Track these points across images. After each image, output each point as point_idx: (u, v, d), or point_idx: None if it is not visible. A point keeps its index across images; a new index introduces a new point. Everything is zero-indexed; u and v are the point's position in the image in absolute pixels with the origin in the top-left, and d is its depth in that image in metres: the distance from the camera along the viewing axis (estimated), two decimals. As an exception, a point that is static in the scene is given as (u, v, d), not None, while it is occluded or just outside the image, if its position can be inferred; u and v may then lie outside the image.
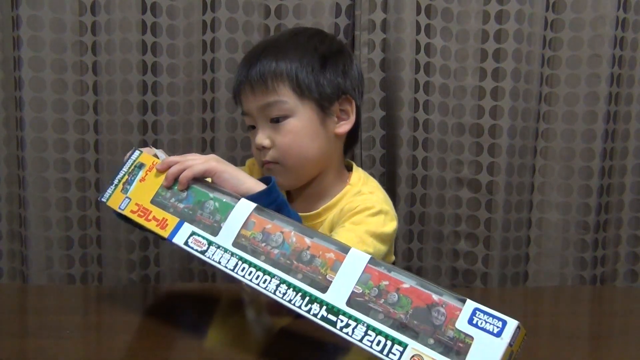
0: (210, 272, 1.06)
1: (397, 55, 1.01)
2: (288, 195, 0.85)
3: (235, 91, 0.82)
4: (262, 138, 0.78)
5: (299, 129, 0.78)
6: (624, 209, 1.11)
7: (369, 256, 0.50)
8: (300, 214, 0.74)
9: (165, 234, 0.57)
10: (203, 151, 1.05)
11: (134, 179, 0.63)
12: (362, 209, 0.76)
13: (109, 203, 0.63)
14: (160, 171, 0.63)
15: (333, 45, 0.84)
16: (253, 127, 0.81)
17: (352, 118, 0.82)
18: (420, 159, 1.05)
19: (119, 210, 0.62)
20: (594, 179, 1.06)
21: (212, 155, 0.68)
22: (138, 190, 0.62)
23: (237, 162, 1.05)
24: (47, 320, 0.66)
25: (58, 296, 0.82)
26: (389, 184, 1.05)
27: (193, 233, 0.56)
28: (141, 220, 0.59)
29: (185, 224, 0.57)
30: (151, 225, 0.58)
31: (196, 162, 0.64)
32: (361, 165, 1.04)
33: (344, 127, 0.81)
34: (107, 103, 1.01)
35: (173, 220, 0.57)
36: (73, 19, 0.99)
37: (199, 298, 0.80)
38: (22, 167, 1.00)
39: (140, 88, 1.00)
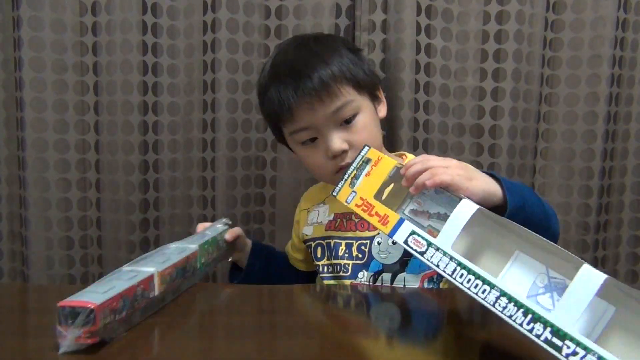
0: (210, 273, 1.06)
1: (397, 55, 1.01)
2: None
3: (285, 112, 0.77)
4: (339, 142, 0.76)
5: (368, 122, 0.79)
6: (625, 210, 1.11)
7: (605, 277, 0.41)
8: None
9: (386, 230, 0.56)
10: (203, 151, 1.05)
11: (361, 173, 0.63)
12: None
13: (338, 197, 0.63)
14: (402, 173, 0.59)
15: (345, 39, 0.89)
16: (311, 141, 0.78)
17: (384, 99, 0.85)
18: None
19: (346, 204, 0.62)
20: (594, 180, 1.06)
21: (455, 163, 0.59)
22: (364, 185, 0.62)
23: (238, 162, 1.05)
24: (47, 321, 0.66)
25: (58, 296, 0.82)
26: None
27: (413, 232, 0.53)
28: (364, 215, 0.59)
29: (406, 222, 0.54)
30: (373, 220, 0.57)
31: (439, 170, 0.57)
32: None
33: (383, 109, 0.85)
34: (108, 103, 1.01)
35: (394, 218, 0.56)
36: (74, 20, 1.00)
37: (199, 298, 0.80)
38: (22, 167, 1.00)
39: (141, 88, 1.01)
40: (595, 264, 1.09)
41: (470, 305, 0.69)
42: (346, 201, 0.62)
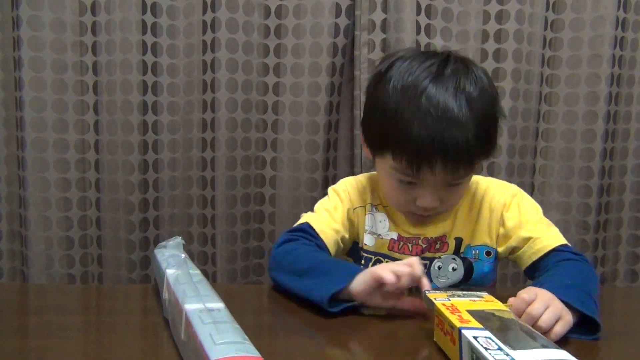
0: (210, 272, 1.06)
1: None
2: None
3: (413, 161, 0.69)
4: (434, 201, 0.72)
5: (466, 187, 0.77)
6: (624, 209, 1.11)
7: None
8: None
9: (457, 324, 0.53)
10: (203, 151, 1.05)
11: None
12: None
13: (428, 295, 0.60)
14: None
15: (496, 99, 0.76)
16: (408, 183, 0.73)
17: None
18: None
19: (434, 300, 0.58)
20: (594, 179, 1.06)
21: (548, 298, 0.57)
22: (462, 302, 0.59)
23: (237, 162, 1.05)
24: (47, 320, 0.66)
25: (58, 296, 0.82)
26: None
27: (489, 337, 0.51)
28: (446, 312, 0.56)
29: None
30: (453, 317, 0.55)
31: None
32: (360, 165, 1.04)
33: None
34: (108, 103, 1.01)
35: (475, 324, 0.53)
36: (73, 19, 0.99)
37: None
38: (22, 167, 1.00)
39: (141, 88, 1.01)
40: (595, 263, 1.09)
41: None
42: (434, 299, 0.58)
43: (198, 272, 0.65)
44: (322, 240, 0.76)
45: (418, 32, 1.01)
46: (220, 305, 0.54)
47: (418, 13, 1.00)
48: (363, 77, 1.02)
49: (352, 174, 1.06)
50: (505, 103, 1.02)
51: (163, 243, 0.79)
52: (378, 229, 0.80)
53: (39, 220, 1.01)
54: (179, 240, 0.79)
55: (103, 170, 1.03)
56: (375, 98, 0.76)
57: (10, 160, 1.03)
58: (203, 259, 1.07)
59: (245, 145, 1.05)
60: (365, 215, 0.80)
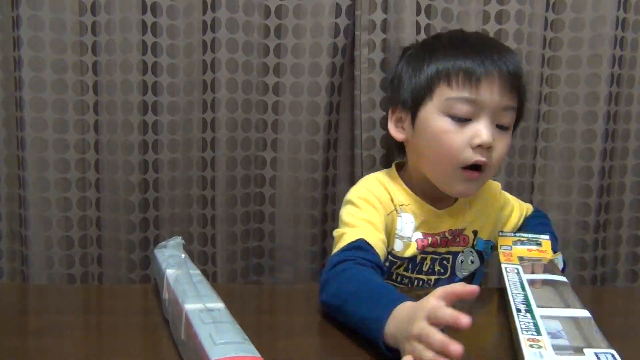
0: (210, 272, 1.06)
1: (397, 55, 1.01)
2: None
3: (471, 77, 0.71)
4: (491, 137, 0.72)
5: (508, 144, 0.77)
6: (624, 209, 1.11)
7: None
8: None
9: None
10: (203, 151, 1.05)
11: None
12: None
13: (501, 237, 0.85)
14: None
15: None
16: (463, 121, 0.72)
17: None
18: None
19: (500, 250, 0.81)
20: (594, 179, 1.06)
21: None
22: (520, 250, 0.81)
23: (237, 162, 1.05)
24: (47, 320, 0.66)
25: (58, 296, 0.82)
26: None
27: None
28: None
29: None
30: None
31: None
32: (361, 165, 1.04)
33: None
34: (108, 103, 1.01)
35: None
36: (73, 19, 0.99)
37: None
38: (22, 167, 1.00)
39: (141, 88, 1.01)
40: (595, 263, 1.09)
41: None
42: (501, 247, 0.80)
43: (198, 272, 0.65)
44: (378, 255, 0.72)
45: (418, 32, 1.00)
46: (220, 305, 0.54)
47: (418, 13, 1.00)
48: (363, 77, 1.02)
49: (352, 173, 1.07)
50: (505, 103, 1.02)
51: (163, 243, 0.79)
52: (405, 231, 0.79)
53: (39, 220, 1.01)
54: (179, 240, 0.79)
55: (103, 170, 1.03)
56: (403, 63, 0.82)
57: (10, 160, 1.03)
58: (203, 259, 1.07)
59: (245, 145, 1.05)
60: (396, 218, 0.79)
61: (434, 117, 0.74)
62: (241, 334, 0.48)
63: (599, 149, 1.05)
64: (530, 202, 1.08)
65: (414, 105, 0.77)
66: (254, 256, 1.09)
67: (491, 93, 0.72)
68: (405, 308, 0.54)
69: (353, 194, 0.80)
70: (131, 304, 0.75)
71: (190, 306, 0.53)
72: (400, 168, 0.86)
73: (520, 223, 0.91)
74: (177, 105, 1.04)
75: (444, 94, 0.73)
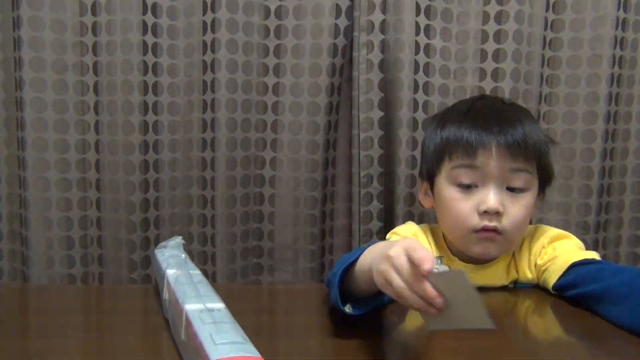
0: (210, 271, 1.07)
1: (396, 55, 1.01)
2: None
3: (469, 144, 0.75)
4: (497, 202, 0.74)
5: (529, 206, 0.77)
6: (625, 209, 1.11)
7: None
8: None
9: None
10: (203, 151, 1.05)
11: None
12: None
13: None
14: None
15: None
16: (467, 187, 0.76)
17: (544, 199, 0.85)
18: (420, 159, 1.05)
19: None
20: (594, 179, 1.06)
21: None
22: None
23: (237, 162, 1.05)
24: (48, 321, 0.66)
25: (59, 296, 0.82)
26: (388, 184, 1.06)
27: None
28: None
29: None
30: None
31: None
32: (358, 165, 1.04)
33: (535, 207, 0.82)
34: (108, 103, 1.01)
35: None
36: (74, 20, 1.00)
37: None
38: (22, 167, 1.00)
39: (141, 88, 1.01)
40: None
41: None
42: None
43: (198, 272, 0.66)
44: None
45: (417, 32, 1.01)
46: (220, 305, 0.54)
47: (417, 14, 1.00)
48: (362, 77, 1.02)
49: (351, 174, 1.07)
50: (505, 103, 1.02)
51: (163, 243, 0.79)
52: None
53: (40, 221, 1.01)
54: (179, 240, 0.80)
55: (103, 170, 1.03)
56: (426, 132, 0.87)
57: (11, 161, 1.03)
58: (203, 259, 1.07)
59: (245, 145, 1.05)
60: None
61: (444, 187, 0.79)
62: (241, 334, 0.48)
63: (599, 149, 1.05)
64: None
65: (429, 177, 0.83)
66: (253, 256, 1.09)
67: (490, 159, 0.75)
68: (380, 243, 0.59)
69: (400, 229, 0.87)
70: (131, 304, 0.75)
71: (190, 306, 0.53)
72: None
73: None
74: (177, 105, 1.04)
75: (448, 164, 0.78)
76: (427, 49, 1.03)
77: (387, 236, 0.87)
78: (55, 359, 0.55)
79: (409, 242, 0.50)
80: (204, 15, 1.01)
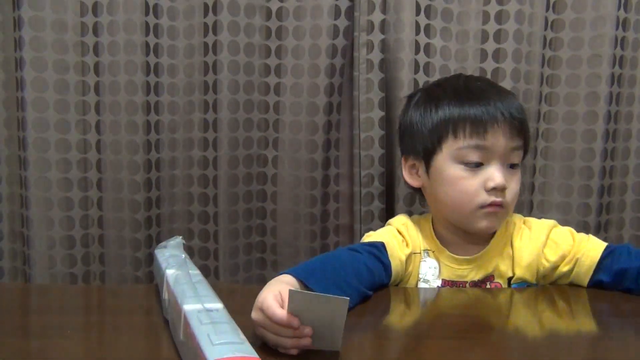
0: (212, 267, 1.07)
1: (396, 55, 1.01)
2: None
3: (477, 126, 0.76)
4: (502, 178, 0.76)
5: (520, 178, 0.81)
6: (626, 210, 1.11)
7: None
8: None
9: None
10: (205, 150, 1.06)
11: None
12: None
13: None
14: None
15: None
16: (475, 166, 0.77)
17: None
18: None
19: None
20: (594, 179, 1.06)
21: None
22: None
23: (239, 161, 1.05)
24: (49, 320, 0.66)
25: (60, 295, 0.82)
26: (388, 184, 1.06)
27: None
28: None
29: None
30: None
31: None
32: (359, 165, 1.04)
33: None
34: (109, 104, 1.02)
35: None
36: (75, 20, 1.00)
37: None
38: (24, 167, 1.00)
39: (144, 89, 1.01)
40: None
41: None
42: None
43: (198, 272, 0.66)
44: (390, 262, 0.78)
45: (417, 32, 1.01)
46: (218, 305, 0.54)
47: (417, 13, 1.00)
48: (362, 77, 1.02)
49: (352, 173, 1.07)
50: (506, 103, 1.02)
51: (163, 243, 0.80)
52: (428, 276, 0.82)
53: (41, 220, 1.01)
54: (179, 240, 0.80)
55: (105, 170, 1.04)
56: (410, 112, 0.84)
57: (12, 161, 1.04)
58: (205, 255, 1.08)
59: (247, 144, 1.06)
60: (420, 262, 0.82)
61: (447, 165, 0.78)
62: (239, 334, 0.48)
63: (599, 149, 1.05)
64: (531, 202, 1.09)
65: (425, 155, 0.81)
66: (256, 250, 1.10)
67: (498, 139, 0.76)
68: (280, 279, 0.62)
69: (394, 221, 0.86)
70: (132, 304, 0.76)
71: (188, 306, 0.53)
72: None
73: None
74: (179, 105, 1.05)
75: (453, 144, 0.78)
76: (427, 49, 1.03)
77: (363, 238, 0.86)
78: (55, 359, 0.55)
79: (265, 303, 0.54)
80: (205, 17, 1.02)
